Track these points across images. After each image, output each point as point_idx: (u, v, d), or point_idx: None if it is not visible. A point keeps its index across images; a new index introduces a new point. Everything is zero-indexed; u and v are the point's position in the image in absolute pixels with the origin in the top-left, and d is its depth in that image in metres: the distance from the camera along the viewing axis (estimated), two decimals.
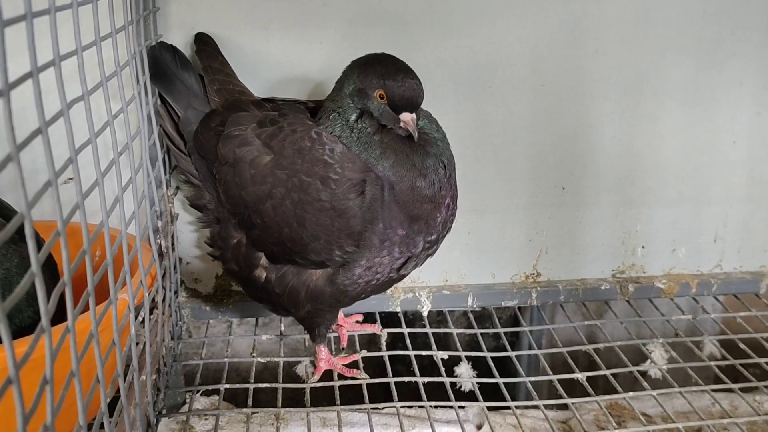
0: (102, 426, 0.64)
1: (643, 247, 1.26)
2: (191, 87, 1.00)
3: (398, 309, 1.20)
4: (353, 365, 1.05)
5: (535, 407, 1.00)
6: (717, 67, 1.17)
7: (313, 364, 1.06)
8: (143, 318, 0.85)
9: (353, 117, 0.88)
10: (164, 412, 0.97)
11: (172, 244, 1.06)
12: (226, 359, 1.07)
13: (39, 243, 0.49)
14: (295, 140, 0.88)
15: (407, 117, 0.86)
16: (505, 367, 1.09)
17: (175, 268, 1.07)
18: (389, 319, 1.21)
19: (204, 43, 1.03)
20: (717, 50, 1.17)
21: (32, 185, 0.44)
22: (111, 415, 0.65)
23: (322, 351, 1.04)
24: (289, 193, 0.87)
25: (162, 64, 0.98)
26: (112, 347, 0.68)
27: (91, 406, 0.63)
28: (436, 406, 0.98)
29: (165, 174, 1.02)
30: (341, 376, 1.03)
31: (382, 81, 0.85)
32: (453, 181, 0.91)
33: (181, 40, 1.06)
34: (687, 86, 1.18)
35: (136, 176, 0.78)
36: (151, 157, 0.93)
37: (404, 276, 0.97)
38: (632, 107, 1.17)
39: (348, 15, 1.07)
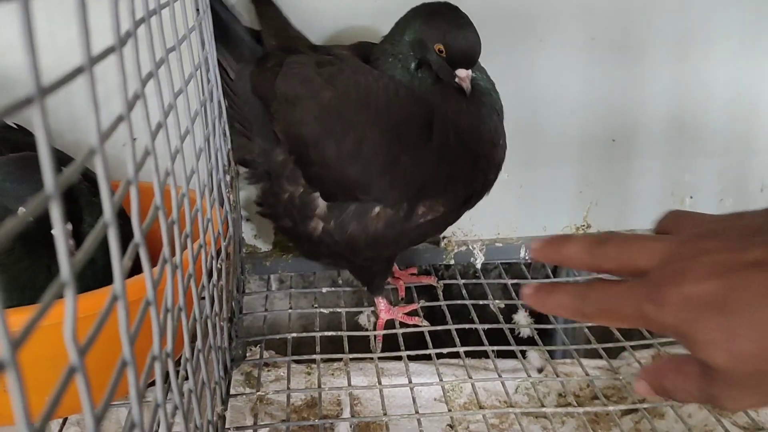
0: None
1: (691, 197, 1.27)
2: (243, 37, 1.00)
3: (452, 262, 1.22)
4: (413, 313, 1.08)
5: (595, 353, 1.02)
6: (766, 14, 1.18)
7: (375, 315, 1.09)
8: (221, 265, 0.88)
9: (413, 65, 0.90)
10: (233, 361, 1.01)
11: (237, 199, 1.09)
12: (289, 311, 1.10)
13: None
14: (359, 80, 0.90)
15: (463, 73, 0.87)
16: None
17: (238, 223, 1.10)
18: (443, 271, 1.24)
19: None
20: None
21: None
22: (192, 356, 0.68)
23: (381, 302, 1.07)
24: (353, 130, 0.89)
25: (214, 11, 0.96)
26: (201, 289, 0.72)
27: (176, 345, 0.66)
28: (497, 351, 1.01)
29: (228, 129, 1.04)
30: (403, 324, 1.06)
31: (443, 35, 0.86)
32: (503, 127, 0.94)
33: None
34: (736, 36, 1.18)
35: (213, 126, 0.81)
36: (219, 113, 0.95)
37: (460, 216, 0.98)
38: (681, 58, 1.18)
39: None
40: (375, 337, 1.06)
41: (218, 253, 0.84)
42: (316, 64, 0.92)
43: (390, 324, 1.06)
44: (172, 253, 0.52)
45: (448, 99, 0.89)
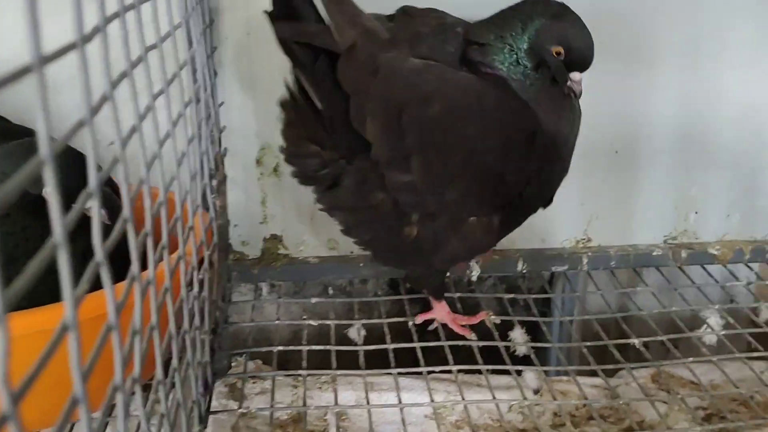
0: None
1: (696, 213, 1.24)
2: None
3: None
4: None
5: (592, 372, 0.98)
6: None
7: (364, 327, 1.05)
8: (203, 275, 0.84)
9: (531, 64, 0.87)
10: (216, 374, 0.96)
11: (223, 206, 1.05)
12: (276, 321, 1.06)
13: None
14: (466, 91, 0.86)
15: (578, 77, 0.87)
16: (557, 332, 1.08)
17: (225, 229, 1.06)
18: None
19: None
20: None
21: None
22: (165, 376, 0.64)
23: (445, 307, 1.05)
24: (462, 142, 0.85)
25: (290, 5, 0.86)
26: (180, 302, 0.68)
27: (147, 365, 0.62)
28: (492, 371, 0.97)
29: (217, 133, 1.00)
30: (394, 340, 1.01)
31: (566, 38, 0.86)
32: None
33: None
34: (746, 46, 1.15)
35: (199, 131, 0.77)
36: (206, 117, 0.91)
37: None
38: (690, 67, 1.14)
39: None
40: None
41: (201, 263, 0.80)
42: (416, 70, 0.85)
43: (381, 339, 1.02)
44: (145, 267, 0.49)
45: (555, 109, 0.88)
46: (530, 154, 0.87)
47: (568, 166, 0.93)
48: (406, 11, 0.92)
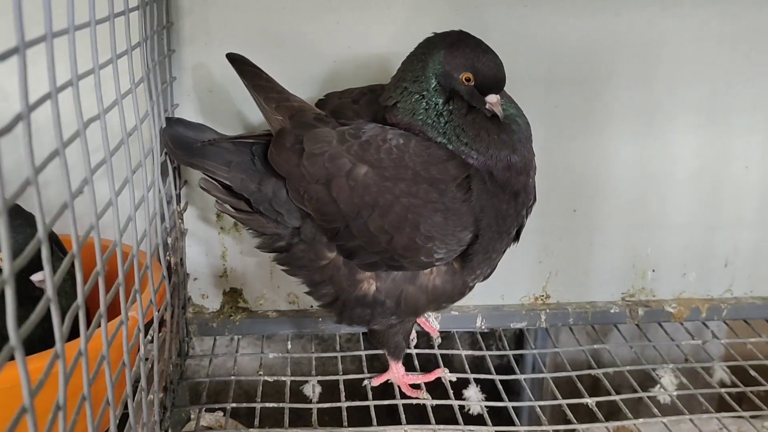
0: None
1: (653, 271, 1.25)
2: (220, 144, 0.93)
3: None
4: (417, 386, 1.05)
5: None
6: (731, 91, 1.17)
7: (320, 384, 1.06)
8: (152, 336, 0.85)
9: (441, 100, 0.88)
10: (169, 430, 0.96)
11: (181, 260, 1.05)
12: (232, 377, 1.06)
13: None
14: (389, 149, 0.86)
15: (494, 99, 0.87)
16: (513, 390, 1.08)
17: (183, 284, 1.07)
18: None
19: (241, 62, 0.96)
20: (731, 75, 1.16)
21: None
22: None
23: (401, 368, 1.05)
24: (397, 199, 0.86)
25: (184, 139, 0.94)
26: (121, 367, 0.68)
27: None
28: (444, 431, 0.97)
29: (175, 189, 1.01)
30: (348, 398, 1.02)
31: (471, 63, 0.86)
32: (533, 152, 0.94)
33: (191, 55, 1.06)
34: (701, 110, 1.17)
35: (149, 193, 0.77)
36: (162, 173, 0.92)
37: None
38: (645, 130, 1.17)
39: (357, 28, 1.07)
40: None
41: (148, 325, 0.81)
42: (339, 140, 0.87)
43: (336, 396, 1.02)
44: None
45: (480, 137, 0.88)
46: (468, 200, 0.87)
47: (529, 186, 0.92)
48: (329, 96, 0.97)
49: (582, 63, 1.12)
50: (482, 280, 0.97)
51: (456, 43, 0.87)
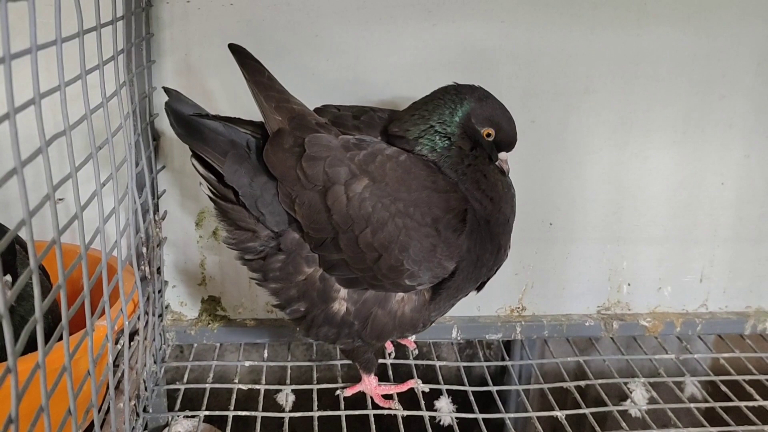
0: None
1: (629, 285, 1.26)
2: (218, 130, 0.90)
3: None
4: (390, 396, 1.06)
5: None
6: (706, 108, 1.18)
7: (294, 393, 1.07)
8: (123, 344, 0.86)
9: (469, 146, 0.91)
10: None
11: (158, 269, 1.06)
12: (207, 385, 1.07)
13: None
14: (395, 166, 0.88)
15: (505, 156, 0.95)
16: (487, 402, 1.09)
17: (160, 292, 1.08)
18: None
19: (244, 55, 0.93)
20: (707, 92, 1.17)
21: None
22: None
23: (373, 380, 1.06)
24: (393, 218, 0.87)
25: (184, 116, 0.90)
26: (87, 377, 0.69)
27: None
28: None
29: (153, 199, 1.02)
30: (320, 408, 1.03)
31: (496, 120, 0.91)
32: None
33: (172, 65, 1.07)
34: (676, 127, 1.18)
35: (120, 206, 0.78)
36: (138, 184, 0.93)
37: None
38: (621, 145, 1.18)
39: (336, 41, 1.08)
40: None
41: (119, 334, 0.82)
42: (342, 148, 0.88)
43: (308, 405, 1.03)
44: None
45: (496, 188, 0.92)
46: (460, 233, 0.89)
47: (506, 247, 0.96)
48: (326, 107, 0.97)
49: (558, 78, 1.14)
50: (434, 320, 0.99)
51: (484, 99, 0.92)
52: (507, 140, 0.93)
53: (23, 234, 0.51)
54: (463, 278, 0.92)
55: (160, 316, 1.11)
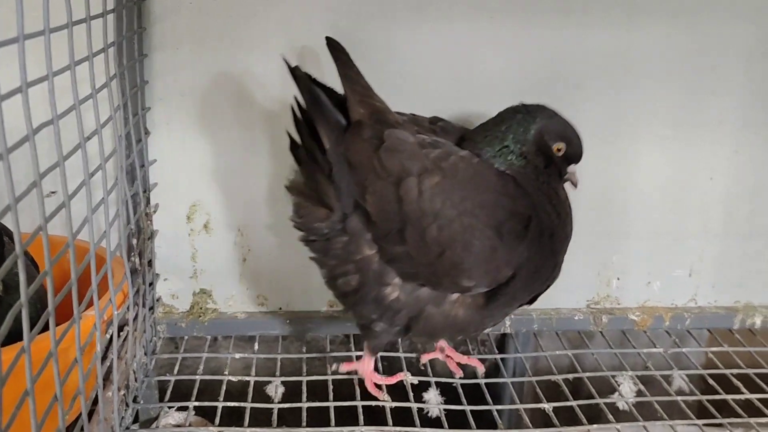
0: None
1: (618, 279, 1.27)
2: (330, 107, 0.92)
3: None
4: (379, 387, 1.06)
5: None
6: (696, 104, 1.19)
7: (284, 384, 1.08)
8: (112, 334, 0.87)
9: (543, 163, 0.94)
10: (131, 426, 0.98)
11: (149, 261, 1.07)
12: (198, 376, 1.08)
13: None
14: (468, 167, 0.90)
15: (573, 169, 0.98)
16: (476, 395, 1.10)
17: (151, 284, 1.09)
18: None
19: (338, 51, 0.94)
20: (697, 88, 1.18)
21: None
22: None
23: (371, 363, 1.06)
24: (460, 216, 0.88)
25: (320, 98, 0.91)
26: (74, 365, 0.70)
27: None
28: None
29: (144, 191, 1.03)
30: (310, 398, 1.04)
31: (567, 136, 0.95)
32: None
33: (163, 60, 1.08)
34: (666, 122, 1.19)
35: (108, 197, 0.79)
36: (129, 176, 0.94)
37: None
38: (611, 140, 1.19)
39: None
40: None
41: (107, 325, 0.83)
42: (419, 144, 0.90)
43: (297, 396, 1.04)
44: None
45: (562, 205, 0.96)
46: (523, 239, 0.90)
47: (560, 265, 0.98)
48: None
49: (549, 74, 1.15)
50: (487, 327, 1.01)
51: (554, 117, 0.95)
52: (577, 153, 0.97)
53: (8, 223, 0.51)
54: (519, 286, 0.93)
55: (151, 308, 1.12)
